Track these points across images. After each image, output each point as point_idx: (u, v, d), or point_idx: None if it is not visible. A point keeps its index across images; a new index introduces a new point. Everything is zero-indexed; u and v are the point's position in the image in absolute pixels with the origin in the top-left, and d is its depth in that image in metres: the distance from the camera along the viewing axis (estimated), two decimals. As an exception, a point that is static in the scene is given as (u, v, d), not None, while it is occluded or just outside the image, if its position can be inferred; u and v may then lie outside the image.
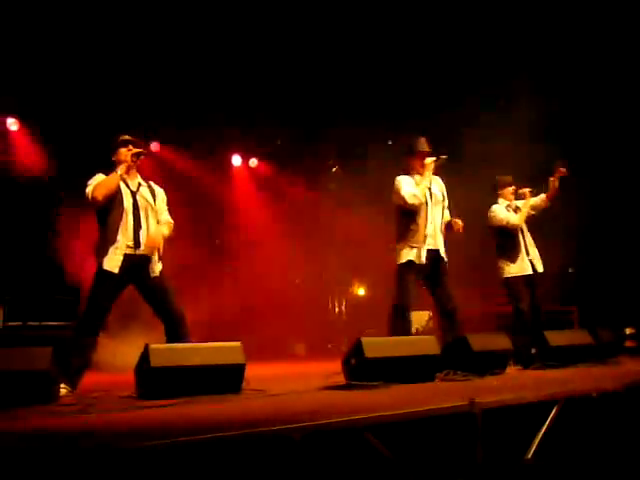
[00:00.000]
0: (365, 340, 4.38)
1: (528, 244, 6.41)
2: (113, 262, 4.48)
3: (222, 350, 4.10)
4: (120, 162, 4.66)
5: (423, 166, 5.49)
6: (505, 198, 6.51)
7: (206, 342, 4.24)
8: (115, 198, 4.55)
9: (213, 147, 10.48)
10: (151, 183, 4.84)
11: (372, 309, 11.21)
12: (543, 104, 8.09)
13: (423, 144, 5.59)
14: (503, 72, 8.41)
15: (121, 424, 2.95)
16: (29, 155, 8.95)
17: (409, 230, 5.44)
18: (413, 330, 5.66)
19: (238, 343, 4.19)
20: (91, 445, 2.36)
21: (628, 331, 8.44)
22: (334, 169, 11.92)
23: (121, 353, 7.83)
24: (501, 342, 5.32)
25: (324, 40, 8.46)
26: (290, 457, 2.54)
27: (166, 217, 4.88)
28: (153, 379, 3.77)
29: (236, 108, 9.12)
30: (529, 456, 3.16)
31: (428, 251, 5.40)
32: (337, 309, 11.89)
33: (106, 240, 4.52)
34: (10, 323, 7.77)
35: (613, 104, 8.91)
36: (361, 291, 12.00)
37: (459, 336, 5.15)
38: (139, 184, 4.73)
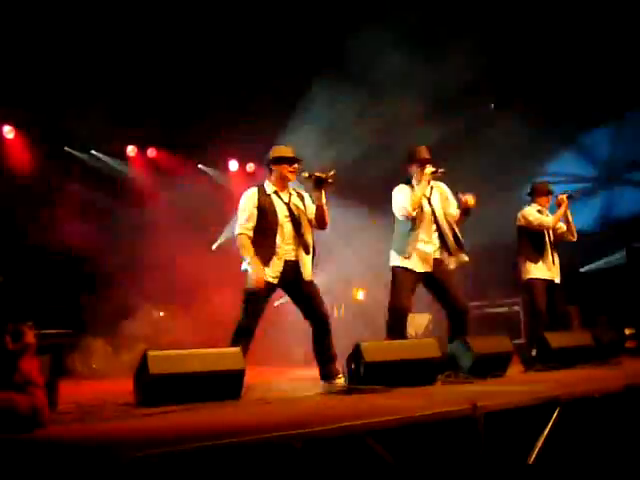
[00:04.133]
0: (364, 344, 4.36)
1: (554, 254, 6.46)
2: (274, 273, 4.79)
3: (221, 356, 4.07)
4: (282, 176, 4.94)
5: (419, 174, 5.48)
6: (539, 205, 6.53)
7: (205, 348, 4.21)
8: (271, 211, 4.85)
9: (210, 152, 10.46)
10: (299, 191, 5.12)
11: (371, 313, 11.19)
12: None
13: (423, 152, 5.56)
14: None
15: (119, 433, 2.92)
16: (24, 162, 8.93)
17: (405, 237, 5.43)
18: (412, 333, 5.65)
19: (237, 349, 4.17)
20: (89, 454, 2.33)
21: (628, 331, 8.43)
22: (331, 172, 11.90)
23: (119, 360, 7.83)
24: (502, 344, 5.30)
25: (318, 47, 8.46)
26: (292, 464, 2.51)
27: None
28: (152, 386, 3.74)
29: (233, 112, 9.10)
30: (531, 460, 3.13)
31: (426, 259, 5.39)
32: (336, 313, 11.85)
33: (265, 251, 4.78)
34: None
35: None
36: (360, 295, 11.97)
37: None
38: (290, 194, 5.02)
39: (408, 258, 5.39)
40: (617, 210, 10.16)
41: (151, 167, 10.26)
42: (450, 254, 5.47)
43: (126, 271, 9.00)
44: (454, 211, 5.57)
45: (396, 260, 5.46)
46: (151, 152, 10.28)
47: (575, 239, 6.63)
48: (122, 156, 10.08)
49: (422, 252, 5.41)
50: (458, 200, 5.52)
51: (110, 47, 7.87)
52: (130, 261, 9.12)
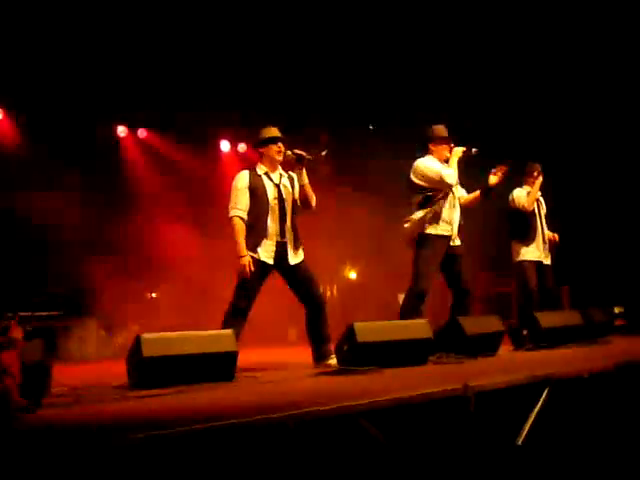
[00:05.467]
0: (357, 325, 4.38)
1: (545, 236, 6.53)
2: (268, 253, 4.83)
3: (214, 338, 4.09)
4: (270, 157, 4.97)
5: (444, 152, 5.47)
6: (529, 185, 6.59)
7: (198, 330, 4.23)
8: (261, 192, 4.87)
9: (201, 132, 10.41)
10: (290, 173, 5.10)
11: (364, 293, 11.24)
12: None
13: (443, 131, 5.56)
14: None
15: (114, 415, 2.93)
16: (14, 143, 8.86)
17: (433, 212, 5.38)
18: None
19: (230, 331, 4.19)
20: (84, 436, 2.35)
21: (617, 310, 8.51)
22: (324, 153, 11.86)
23: (113, 343, 7.84)
24: (493, 324, 5.34)
25: (310, 27, 8.43)
26: (284, 445, 2.54)
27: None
28: (145, 369, 3.75)
29: (225, 92, 9.05)
30: (520, 441, 3.17)
31: (447, 237, 5.40)
32: (329, 293, 11.89)
33: (256, 232, 4.82)
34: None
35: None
36: (352, 275, 12.00)
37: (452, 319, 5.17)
38: (280, 175, 5.03)
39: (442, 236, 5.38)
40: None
41: (142, 147, 10.22)
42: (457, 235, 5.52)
43: (118, 253, 9.00)
44: (464, 193, 5.65)
45: (429, 229, 5.36)
46: (141, 133, 10.22)
47: None
48: (112, 136, 10.03)
49: (445, 229, 5.41)
50: (486, 179, 5.53)
51: (102, 28, 7.80)
52: (123, 242, 9.12)
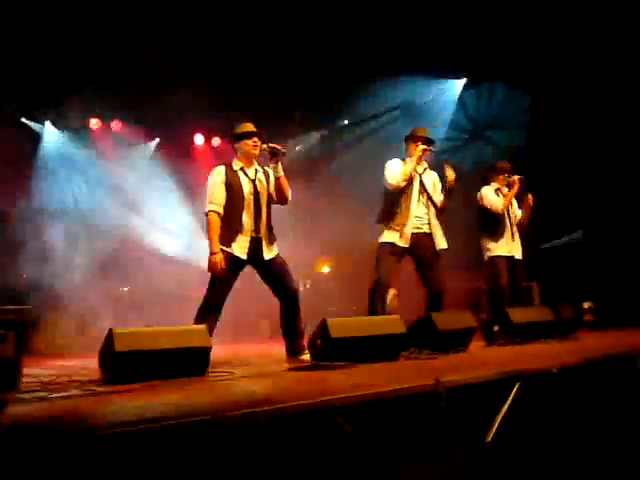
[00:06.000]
0: (330, 320, 4.39)
1: (514, 231, 6.58)
2: (242, 248, 4.82)
3: (187, 333, 4.07)
4: (245, 152, 4.96)
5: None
6: (497, 182, 6.64)
7: (171, 325, 4.21)
8: (237, 187, 4.86)
9: (175, 126, 10.34)
10: (266, 168, 5.08)
11: (337, 287, 11.26)
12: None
13: (422, 131, 5.72)
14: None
15: (85, 411, 2.91)
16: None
17: (393, 212, 5.57)
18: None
19: (203, 326, 4.18)
20: (55, 433, 2.33)
21: (586, 305, 8.64)
22: (297, 147, 11.85)
23: (84, 336, 7.76)
24: (465, 320, 5.39)
25: (286, 17, 8.40)
26: (256, 441, 2.54)
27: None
28: (117, 364, 3.73)
29: (199, 86, 8.99)
30: (489, 438, 3.20)
31: (413, 234, 5.53)
32: (301, 287, 11.89)
33: (231, 227, 4.81)
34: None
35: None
36: (325, 269, 12.02)
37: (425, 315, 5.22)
38: (256, 170, 5.02)
39: (396, 232, 5.53)
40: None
41: (115, 140, 10.13)
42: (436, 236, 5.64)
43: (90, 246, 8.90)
44: (439, 198, 5.74)
45: (383, 234, 5.60)
46: (115, 125, 10.13)
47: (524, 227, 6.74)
48: (85, 128, 9.92)
49: (410, 227, 5.53)
50: (444, 174, 5.66)
51: (73, 15, 7.70)
52: (93, 235, 9.04)
